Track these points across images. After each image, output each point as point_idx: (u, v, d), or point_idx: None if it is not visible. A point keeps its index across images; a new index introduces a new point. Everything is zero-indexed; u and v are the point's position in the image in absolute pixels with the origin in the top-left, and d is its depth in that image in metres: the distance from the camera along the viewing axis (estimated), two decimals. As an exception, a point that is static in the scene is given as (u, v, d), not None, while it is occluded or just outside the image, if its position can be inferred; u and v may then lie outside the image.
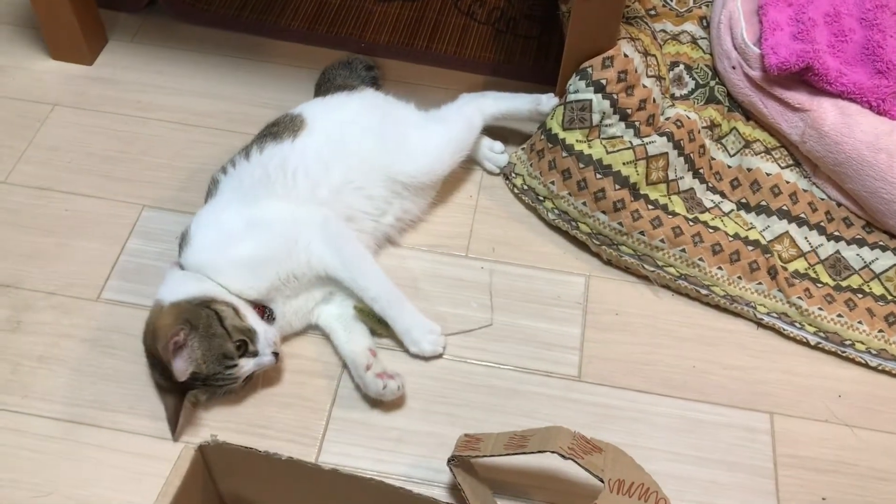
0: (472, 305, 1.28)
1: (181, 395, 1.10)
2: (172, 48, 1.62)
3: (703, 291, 1.28)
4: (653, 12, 1.55)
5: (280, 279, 1.17)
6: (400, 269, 1.31)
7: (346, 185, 1.25)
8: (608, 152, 1.30)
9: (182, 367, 1.06)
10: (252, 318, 1.13)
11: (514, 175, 1.42)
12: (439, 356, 1.21)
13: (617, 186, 1.29)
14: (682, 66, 1.48)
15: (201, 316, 1.09)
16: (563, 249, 1.36)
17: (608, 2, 1.26)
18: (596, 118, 1.31)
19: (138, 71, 1.58)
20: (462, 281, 1.31)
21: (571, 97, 1.32)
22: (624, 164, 1.30)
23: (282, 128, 1.28)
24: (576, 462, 0.89)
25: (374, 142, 1.28)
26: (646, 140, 1.32)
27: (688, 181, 1.36)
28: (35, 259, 1.30)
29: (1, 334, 1.22)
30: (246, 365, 1.10)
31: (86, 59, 1.58)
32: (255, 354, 1.11)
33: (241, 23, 1.66)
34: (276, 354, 1.13)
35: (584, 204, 1.31)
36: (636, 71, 1.33)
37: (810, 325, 1.26)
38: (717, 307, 1.29)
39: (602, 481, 0.88)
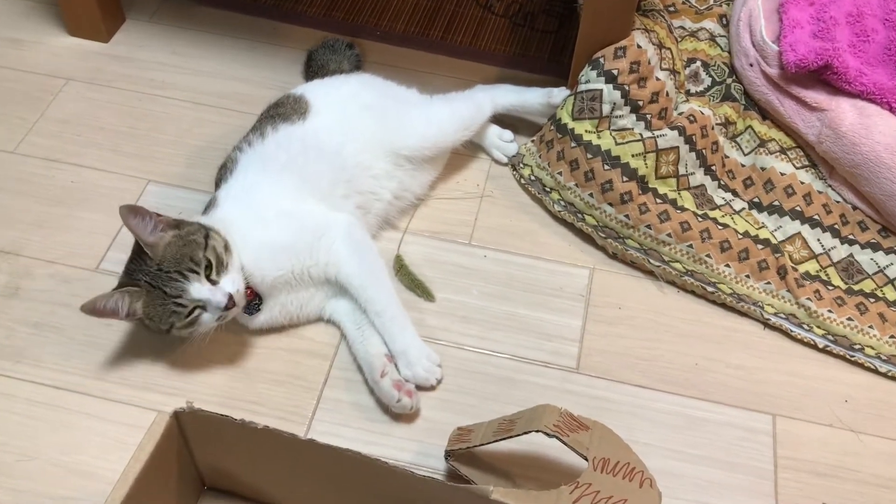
0: (473, 292, 1.26)
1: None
2: (189, 29, 1.62)
3: (710, 289, 1.25)
4: (672, 8, 1.53)
5: (294, 273, 1.16)
6: (402, 254, 1.29)
7: (357, 167, 1.24)
8: (617, 143, 1.28)
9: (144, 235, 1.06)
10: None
11: (521, 166, 1.40)
12: (432, 387, 1.15)
13: (625, 178, 1.27)
14: (699, 63, 1.45)
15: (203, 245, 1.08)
16: (567, 242, 1.33)
17: (622, -10, 1.25)
18: (606, 109, 1.29)
19: (153, 50, 1.58)
20: (463, 268, 1.29)
21: (582, 87, 1.30)
22: (633, 156, 1.27)
23: (289, 109, 1.27)
24: (560, 440, 0.86)
25: (375, 116, 1.28)
26: (656, 133, 1.29)
27: (699, 177, 1.33)
28: (39, 228, 1.30)
29: (-1, 300, 1.22)
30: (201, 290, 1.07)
31: (102, 37, 1.58)
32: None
33: (259, 6, 1.67)
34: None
35: (591, 195, 1.29)
36: (649, 63, 1.30)
37: (819, 327, 1.23)
38: (723, 305, 1.26)
39: (586, 459, 0.85)
